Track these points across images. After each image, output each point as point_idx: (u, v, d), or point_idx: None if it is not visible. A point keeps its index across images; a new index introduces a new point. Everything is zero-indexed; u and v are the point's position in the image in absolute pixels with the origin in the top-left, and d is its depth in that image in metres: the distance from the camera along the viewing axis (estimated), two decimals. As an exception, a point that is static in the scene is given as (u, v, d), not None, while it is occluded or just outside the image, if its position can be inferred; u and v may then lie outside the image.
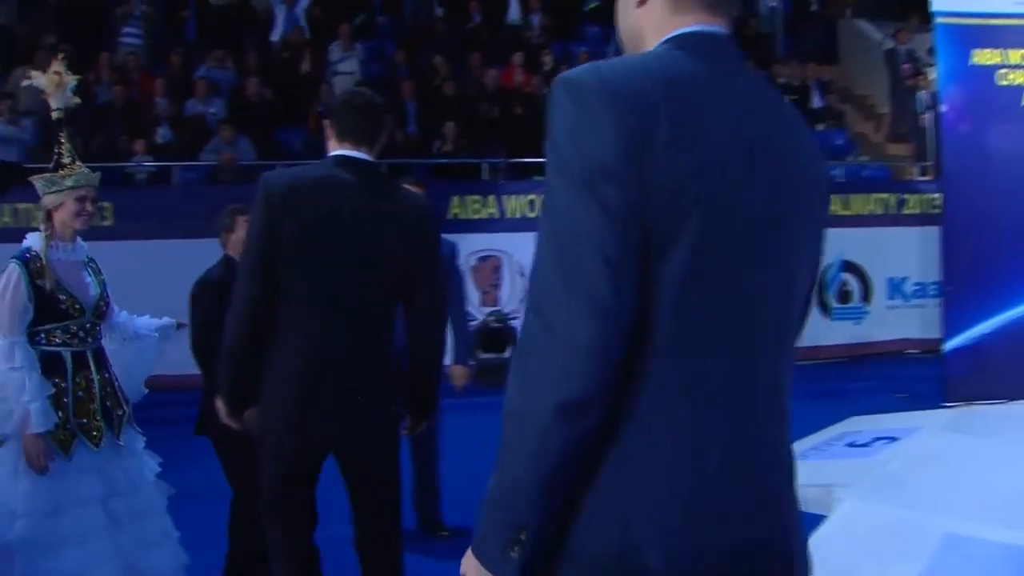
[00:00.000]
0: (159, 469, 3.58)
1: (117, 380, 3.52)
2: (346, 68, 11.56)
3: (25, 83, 3.64)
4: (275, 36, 12.33)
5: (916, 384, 7.90)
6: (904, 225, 10.26)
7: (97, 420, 3.36)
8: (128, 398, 3.56)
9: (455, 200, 9.49)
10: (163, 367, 3.98)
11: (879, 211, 10.36)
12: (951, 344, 7.05)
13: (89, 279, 3.46)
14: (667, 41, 1.50)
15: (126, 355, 3.66)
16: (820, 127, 12.27)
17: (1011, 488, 3.02)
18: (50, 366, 3.31)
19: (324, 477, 3.18)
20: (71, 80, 3.56)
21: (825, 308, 10.13)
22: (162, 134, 10.51)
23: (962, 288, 7.01)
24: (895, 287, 10.32)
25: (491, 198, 9.63)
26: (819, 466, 3.38)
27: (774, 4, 14.23)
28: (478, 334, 9.30)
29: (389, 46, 12.40)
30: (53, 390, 3.28)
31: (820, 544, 2.46)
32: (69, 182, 3.36)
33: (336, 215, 2.96)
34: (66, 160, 3.40)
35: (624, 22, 1.60)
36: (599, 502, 1.37)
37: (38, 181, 3.40)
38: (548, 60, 11.94)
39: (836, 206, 10.20)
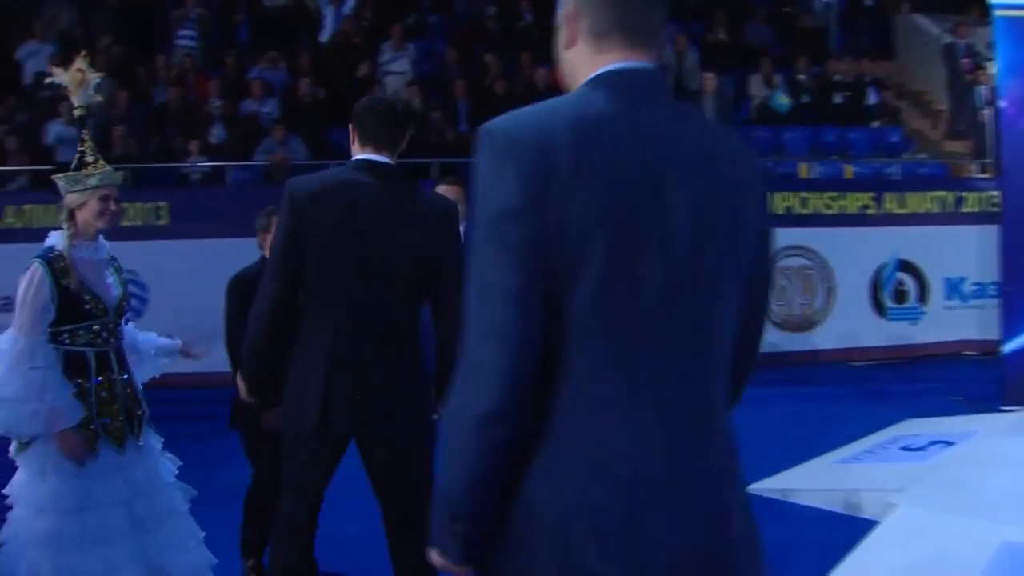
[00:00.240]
0: (176, 471, 3.55)
1: (135, 381, 3.51)
2: (398, 68, 11.62)
3: (48, 80, 3.59)
4: (324, 37, 12.44)
5: (973, 387, 7.75)
6: (962, 224, 10.05)
7: (119, 420, 3.35)
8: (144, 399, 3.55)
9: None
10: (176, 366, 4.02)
11: (936, 209, 10.16)
12: (1010, 346, 6.90)
13: (111, 279, 3.44)
14: (590, 80, 1.66)
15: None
16: (875, 124, 12.08)
17: (1072, 495, 2.94)
18: (74, 366, 3.29)
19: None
20: (94, 78, 3.52)
21: (880, 308, 9.97)
22: (216, 134, 10.66)
23: (1021, 288, 6.85)
24: (953, 287, 10.12)
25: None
26: (872, 470, 3.31)
27: (828, -1, 14.03)
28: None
29: (440, 45, 12.45)
30: (75, 389, 3.26)
31: (871, 550, 2.42)
32: (93, 181, 3.33)
33: (356, 218, 3.05)
34: (89, 159, 3.37)
35: (560, 63, 1.76)
36: (539, 511, 1.55)
37: (61, 180, 3.36)
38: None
39: (891, 204, 10.04)
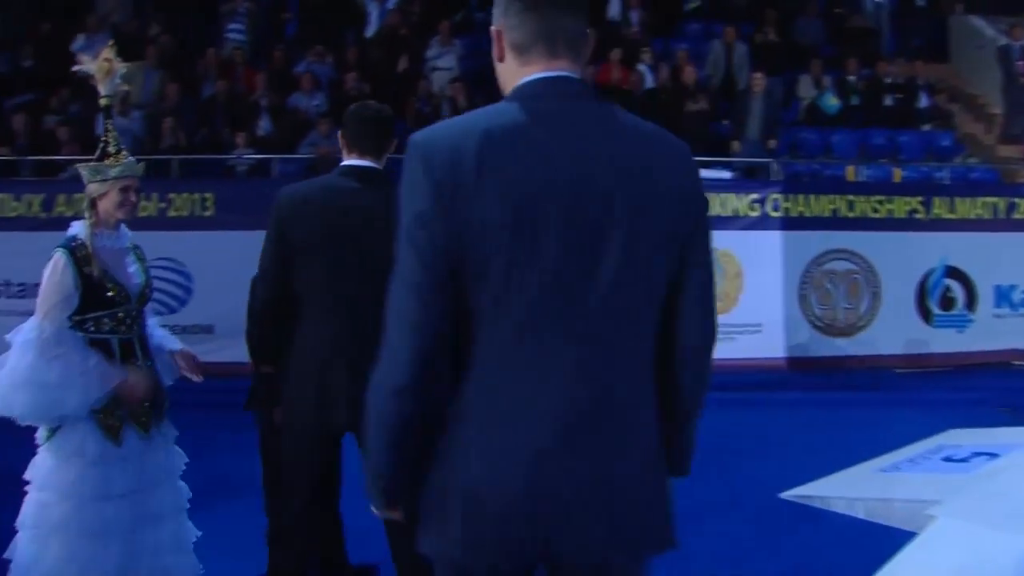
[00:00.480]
0: (183, 468, 3.56)
1: (158, 369, 3.52)
2: (444, 64, 11.66)
3: (75, 68, 3.61)
4: (369, 32, 12.50)
5: (1021, 397, 7.61)
6: (1014, 231, 9.88)
7: (145, 406, 3.38)
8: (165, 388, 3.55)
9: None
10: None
11: (987, 215, 9.98)
12: (1060, 356, 6.75)
13: (133, 267, 3.45)
14: (512, 91, 1.84)
15: None
16: (926, 127, 11.90)
17: (1120, 511, 2.86)
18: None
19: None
20: (121, 68, 3.52)
21: (926, 315, 9.82)
22: (263, 127, 10.76)
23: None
24: (1002, 295, 9.94)
25: (586, 195, 9.57)
26: (912, 480, 3.25)
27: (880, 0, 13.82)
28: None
29: (487, 42, 12.41)
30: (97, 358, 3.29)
31: (907, 562, 2.37)
32: (114, 172, 3.34)
33: (338, 221, 3.21)
34: (112, 149, 3.38)
35: (497, 76, 1.92)
36: (451, 476, 1.79)
37: (83, 169, 3.39)
38: (647, 57, 11.83)
39: (941, 209, 9.88)
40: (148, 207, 9.19)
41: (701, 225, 1.89)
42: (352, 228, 3.20)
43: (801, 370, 9.51)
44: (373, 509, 1.94)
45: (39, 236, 3.36)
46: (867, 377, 9.13)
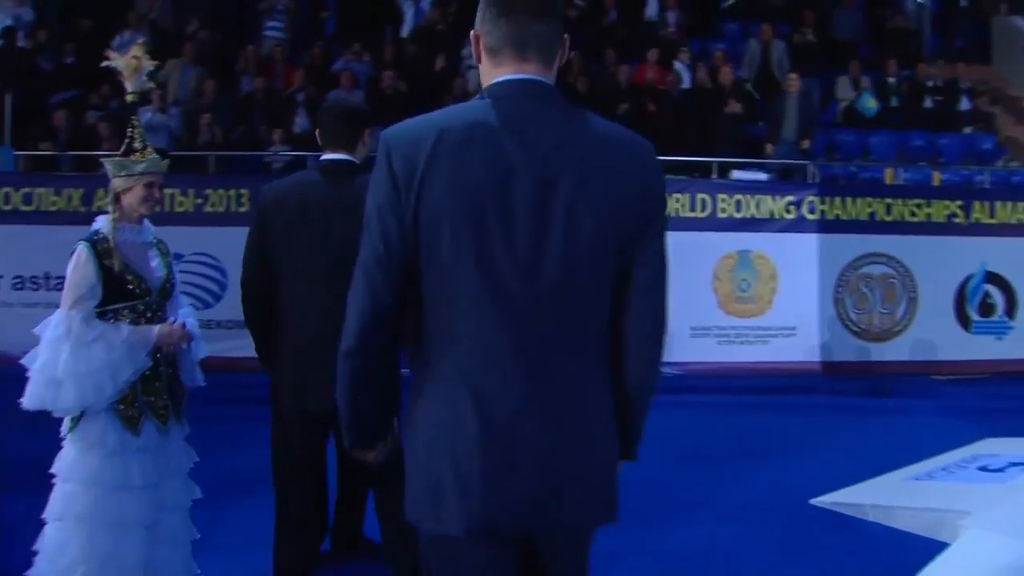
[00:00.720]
0: (191, 465, 3.59)
1: (179, 364, 3.54)
2: (480, 62, 11.66)
3: (104, 64, 3.67)
4: (405, 31, 12.54)
5: (1061, 406, 7.49)
6: (1056, 236, 9.72)
7: (164, 399, 3.42)
8: (186, 383, 3.58)
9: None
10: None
11: (1029, 220, 9.83)
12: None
13: (155, 261, 3.50)
14: (483, 91, 2.01)
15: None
16: (966, 130, 11.74)
17: None
18: None
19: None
20: (149, 65, 3.60)
21: (964, 321, 9.68)
22: (299, 124, 10.83)
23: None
24: (1044, 301, 9.78)
25: (620, 195, 9.53)
26: (946, 489, 3.21)
27: (922, 0, 13.64)
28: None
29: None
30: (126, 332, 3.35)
31: (939, 573, 2.34)
32: (139, 168, 3.40)
33: (309, 212, 3.40)
34: (137, 145, 3.44)
35: (480, 76, 2.08)
36: (416, 438, 2.03)
37: (109, 164, 3.45)
38: (685, 57, 11.77)
39: (980, 213, 9.74)
40: (184, 203, 9.29)
41: (654, 225, 2.01)
42: (321, 218, 3.38)
43: (835, 375, 9.42)
44: (353, 451, 2.21)
45: (79, 230, 3.41)
46: (902, 383, 9.03)
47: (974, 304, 9.71)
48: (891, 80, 11.89)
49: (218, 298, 8.83)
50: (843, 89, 11.94)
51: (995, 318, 9.75)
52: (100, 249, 3.34)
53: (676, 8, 12.78)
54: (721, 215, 9.64)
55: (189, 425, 3.59)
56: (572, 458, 1.97)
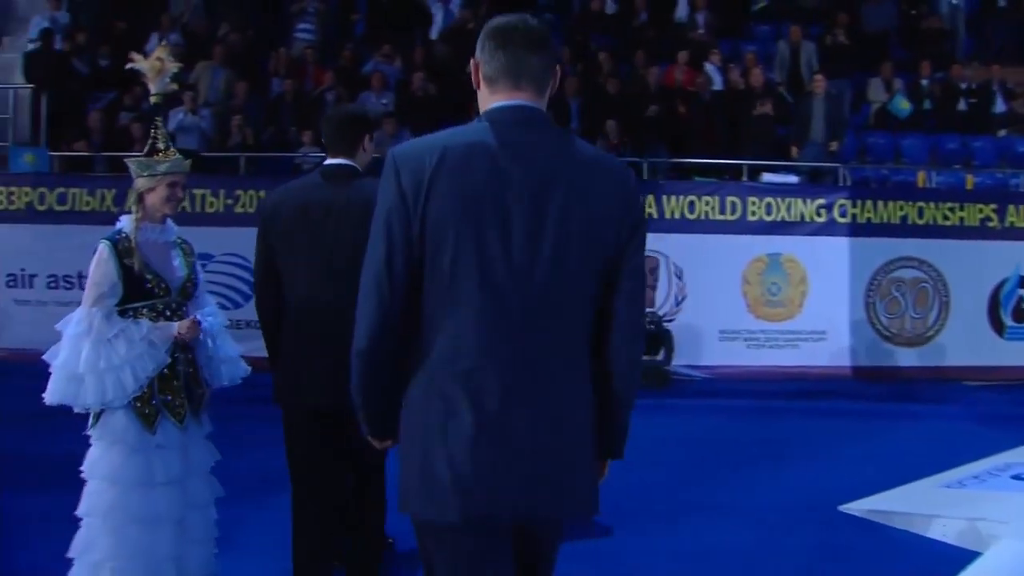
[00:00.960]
0: (213, 463, 3.61)
1: (200, 363, 3.56)
2: (510, 64, 11.66)
3: (128, 67, 3.72)
4: (434, 33, 12.57)
5: (1097, 413, 7.39)
6: (1092, 240, 9.59)
7: (181, 397, 3.45)
8: (209, 382, 3.61)
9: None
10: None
11: (1064, 224, 9.70)
12: None
13: (177, 260, 3.53)
14: (482, 114, 2.23)
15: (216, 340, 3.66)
16: (1001, 133, 11.60)
17: None
18: None
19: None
20: (172, 67, 3.66)
21: (998, 327, 9.57)
22: (330, 126, 10.87)
23: None
24: (1079, 307, 9.66)
25: (650, 198, 9.53)
26: (978, 498, 3.17)
27: (956, 1, 13.48)
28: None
29: (556, 42, 12.41)
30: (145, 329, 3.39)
31: (970, 584, 2.31)
32: (162, 168, 3.44)
33: (306, 214, 3.50)
34: (160, 146, 3.49)
35: (478, 101, 2.29)
36: (410, 419, 2.19)
37: (132, 164, 3.50)
38: (716, 59, 11.71)
39: (1015, 217, 9.65)
40: (215, 203, 9.38)
41: (634, 241, 2.22)
42: (320, 220, 3.48)
43: (866, 379, 9.35)
44: (370, 439, 2.34)
45: (111, 230, 3.48)
46: (934, 389, 8.94)
47: (1008, 309, 9.60)
48: (924, 82, 11.77)
49: (248, 298, 8.90)
50: (875, 91, 11.83)
51: (1030, 323, 9.65)
52: (121, 248, 3.38)
53: (705, 10, 12.73)
54: (751, 218, 9.60)
55: (212, 424, 3.61)
56: (562, 450, 2.15)
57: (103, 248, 3.38)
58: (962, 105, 11.66)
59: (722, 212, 9.58)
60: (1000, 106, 11.72)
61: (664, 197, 9.59)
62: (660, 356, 9.11)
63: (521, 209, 2.11)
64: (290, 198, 3.59)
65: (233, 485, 3.72)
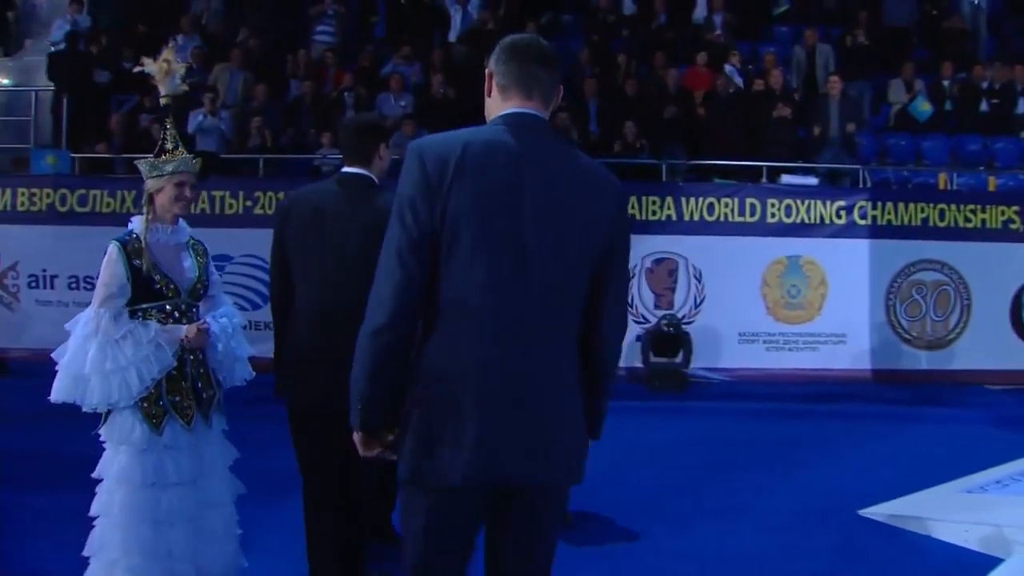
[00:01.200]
0: (231, 462, 3.62)
1: (211, 363, 3.57)
2: (529, 66, 11.64)
3: (137, 69, 3.74)
4: (452, 35, 12.58)
5: (1121, 418, 7.31)
6: (1116, 243, 9.49)
7: (189, 399, 3.46)
8: (221, 382, 3.61)
9: (632, 201, 9.40)
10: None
11: (1086, 227, 9.60)
12: None
13: (188, 262, 3.54)
14: (495, 119, 2.42)
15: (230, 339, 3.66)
16: (1023, 134, 11.49)
17: None
18: None
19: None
20: (180, 68, 3.69)
21: (1021, 330, 9.48)
22: (348, 128, 10.90)
23: None
24: (1102, 310, 9.56)
25: (669, 199, 9.50)
26: (1000, 503, 3.15)
27: (977, 1, 13.37)
28: (650, 337, 9.19)
29: (575, 44, 12.41)
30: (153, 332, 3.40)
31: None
32: (169, 168, 3.46)
33: (320, 219, 3.57)
34: (169, 146, 3.50)
35: (486, 106, 2.49)
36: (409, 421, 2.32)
37: (142, 165, 3.52)
38: (735, 60, 11.67)
39: (1035, 220, 9.57)
40: (235, 205, 9.41)
41: (621, 245, 2.45)
42: (331, 226, 3.55)
43: (886, 383, 9.29)
44: (356, 440, 2.39)
45: (123, 231, 3.51)
46: (955, 393, 8.87)
47: (1029, 312, 9.52)
48: (945, 83, 11.68)
49: (266, 299, 8.92)
50: (896, 92, 11.75)
51: (1052, 327, 9.55)
52: (130, 249, 3.41)
53: (723, 11, 12.68)
54: (771, 220, 9.55)
55: (228, 423, 3.63)
56: (554, 421, 2.34)
57: (112, 249, 3.41)
58: (984, 106, 11.56)
59: (741, 214, 9.54)
60: (1022, 107, 11.61)
61: (683, 199, 9.56)
62: (679, 358, 9.08)
63: (532, 204, 2.30)
64: (306, 201, 3.65)
65: (257, 485, 3.73)
